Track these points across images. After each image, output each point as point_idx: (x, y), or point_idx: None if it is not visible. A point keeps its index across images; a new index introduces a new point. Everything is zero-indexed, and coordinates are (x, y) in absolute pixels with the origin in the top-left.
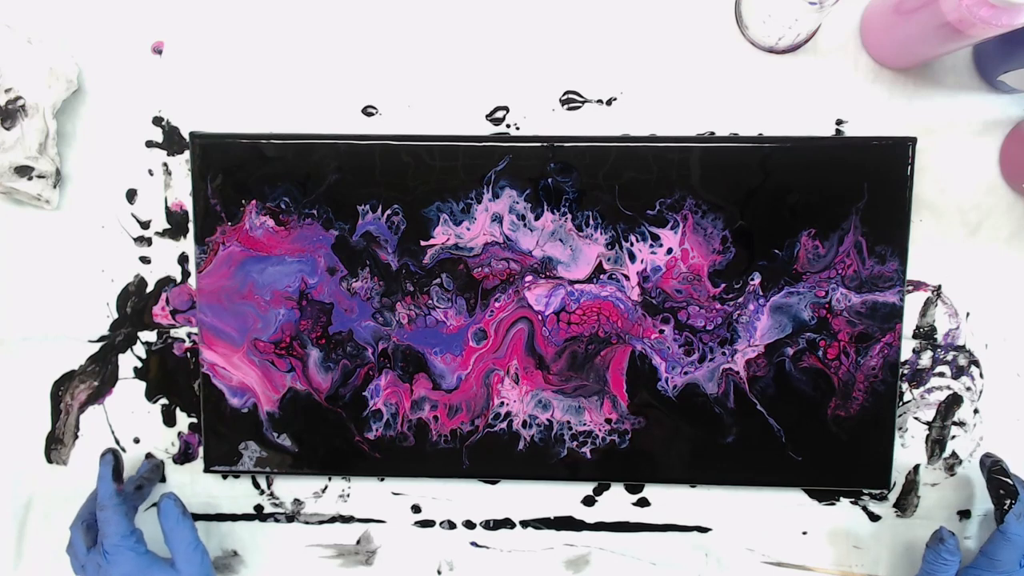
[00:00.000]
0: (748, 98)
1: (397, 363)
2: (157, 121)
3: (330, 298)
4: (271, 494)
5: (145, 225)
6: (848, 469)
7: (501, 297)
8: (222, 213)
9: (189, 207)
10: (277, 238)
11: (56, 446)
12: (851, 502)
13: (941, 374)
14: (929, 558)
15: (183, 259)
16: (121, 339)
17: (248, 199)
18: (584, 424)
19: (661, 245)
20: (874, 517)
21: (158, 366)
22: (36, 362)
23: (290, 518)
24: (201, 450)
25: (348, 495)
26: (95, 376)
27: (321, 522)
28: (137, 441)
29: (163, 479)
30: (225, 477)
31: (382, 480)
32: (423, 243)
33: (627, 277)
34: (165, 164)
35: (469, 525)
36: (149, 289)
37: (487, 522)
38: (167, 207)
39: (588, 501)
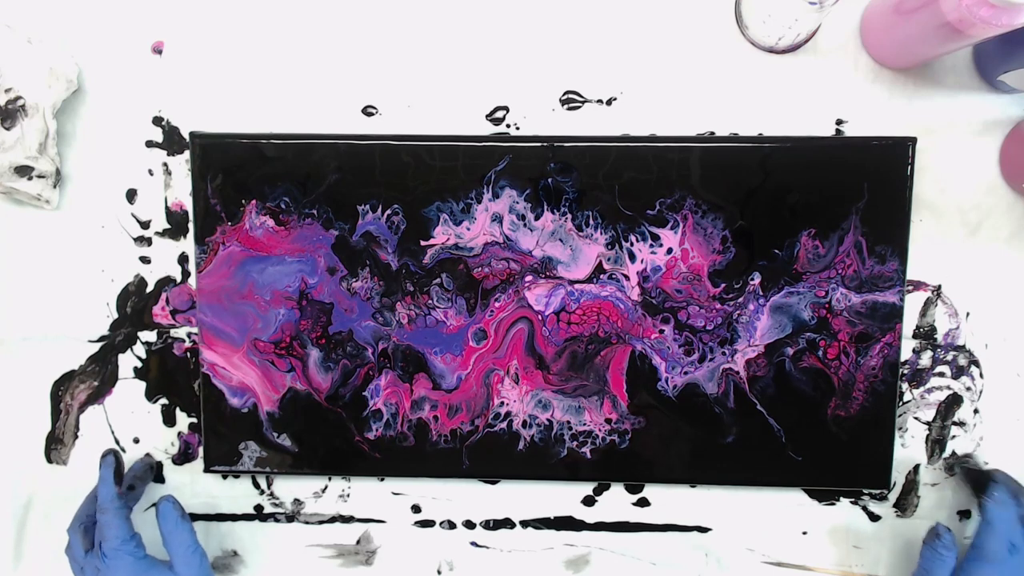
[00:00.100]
0: (748, 98)
1: (397, 363)
2: (157, 121)
3: (330, 298)
4: (271, 494)
5: (145, 225)
6: (848, 469)
7: (501, 297)
8: (222, 213)
9: (189, 207)
10: (277, 238)
11: (56, 446)
12: (851, 502)
13: (941, 374)
14: (926, 554)
15: (183, 259)
16: (121, 339)
17: (248, 199)
18: (584, 424)
19: (661, 245)
20: (874, 517)
21: (158, 366)
22: (36, 362)
23: (290, 518)
24: (201, 450)
25: (348, 495)
26: (95, 376)
27: (321, 522)
28: (137, 441)
29: (162, 479)
30: (225, 477)
31: (382, 480)
32: (423, 243)
33: (627, 277)
34: (165, 164)
35: (469, 525)
36: (149, 289)
37: (487, 522)
38: (167, 207)
39: (588, 501)
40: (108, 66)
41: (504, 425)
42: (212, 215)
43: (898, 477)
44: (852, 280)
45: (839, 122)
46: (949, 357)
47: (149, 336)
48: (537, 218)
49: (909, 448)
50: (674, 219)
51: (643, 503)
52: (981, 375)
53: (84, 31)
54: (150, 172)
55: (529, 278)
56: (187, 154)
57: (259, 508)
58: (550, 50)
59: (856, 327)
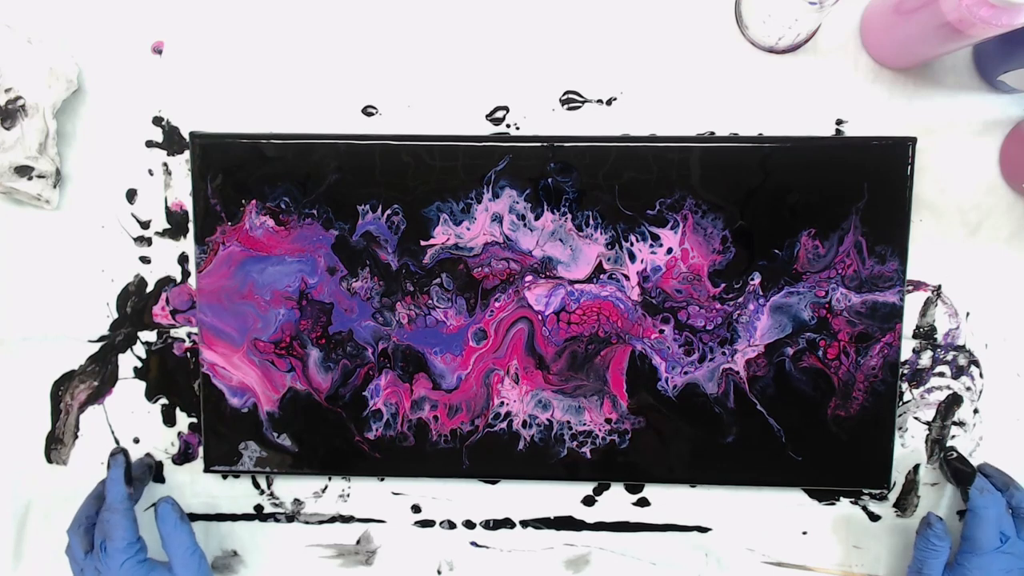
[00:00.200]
0: (748, 98)
1: (397, 363)
2: (157, 121)
3: (330, 298)
4: (271, 494)
5: (145, 225)
6: (848, 469)
7: (501, 297)
8: (222, 213)
9: (189, 207)
10: (277, 238)
11: (56, 446)
12: (851, 502)
13: (941, 374)
14: (919, 545)
15: (183, 259)
16: (121, 339)
17: (248, 199)
18: (584, 424)
19: (661, 245)
20: (874, 517)
21: (158, 366)
22: (36, 362)
23: (290, 518)
24: (201, 450)
25: (348, 495)
26: (95, 376)
27: (321, 522)
28: (137, 441)
29: (162, 479)
30: (225, 477)
31: (382, 480)
32: (423, 243)
33: (627, 277)
34: (165, 164)
35: (469, 525)
36: (149, 289)
37: (487, 522)
38: (167, 207)
39: (588, 501)
40: (108, 66)
41: (504, 425)
42: (212, 215)
43: (898, 477)
44: (852, 280)
45: (839, 122)
46: (949, 357)
47: (149, 336)
48: (537, 218)
49: (909, 448)
50: (674, 219)
51: (643, 503)
52: (981, 375)
53: (84, 31)
54: (150, 172)
55: (529, 278)
56: (187, 154)
57: (259, 508)
58: (550, 50)
59: (856, 327)
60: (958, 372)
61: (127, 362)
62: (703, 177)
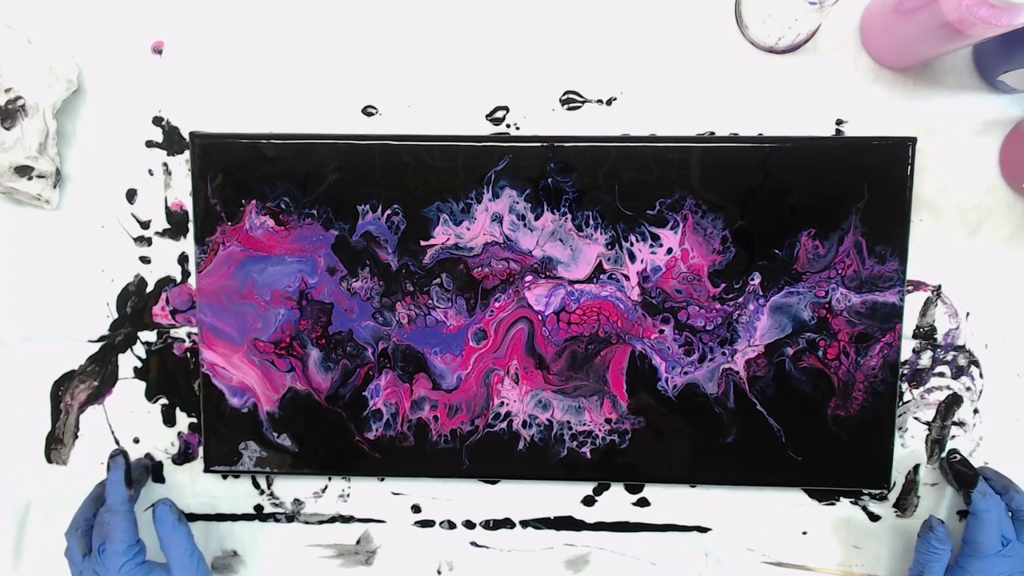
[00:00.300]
0: (748, 98)
1: (397, 363)
2: (157, 121)
3: (330, 298)
4: (271, 494)
5: (145, 225)
6: (848, 469)
7: (501, 297)
8: (222, 213)
9: (189, 207)
10: (277, 238)
11: (56, 446)
12: (851, 502)
13: (941, 374)
14: (921, 548)
15: (183, 259)
16: (121, 339)
17: (248, 199)
18: (584, 424)
19: (661, 245)
20: (874, 517)
21: (158, 366)
22: (36, 362)
23: (290, 518)
24: (201, 450)
25: (348, 495)
26: (95, 376)
27: (321, 522)
28: (137, 441)
29: (162, 479)
30: (225, 477)
31: (382, 480)
32: (423, 243)
33: (627, 277)
34: (165, 164)
35: (469, 525)
36: (149, 289)
37: (487, 522)
38: (167, 207)
39: (588, 501)
40: (108, 66)
41: (504, 425)
42: (212, 215)
43: (898, 477)
44: (852, 280)
45: (839, 122)
46: (949, 357)
47: (149, 336)
48: (537, 218)
49: (909, 448)
50: (674, 219)
51: (643, 503)
52: (981, 375)
53: (84, 31)
54: (150, 172)
55: (529, 278)
56: (187, 154)
57: (259, 508)
58: (550, 50)
59: (856, 327)
60: (958, 372)
61: (127, 362)
62: (703, 177)
